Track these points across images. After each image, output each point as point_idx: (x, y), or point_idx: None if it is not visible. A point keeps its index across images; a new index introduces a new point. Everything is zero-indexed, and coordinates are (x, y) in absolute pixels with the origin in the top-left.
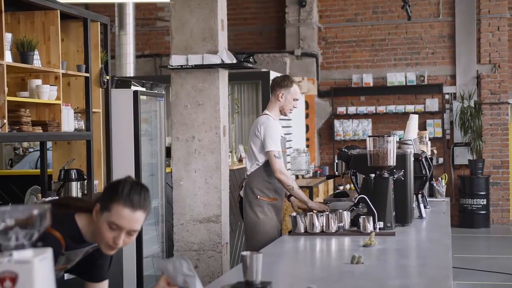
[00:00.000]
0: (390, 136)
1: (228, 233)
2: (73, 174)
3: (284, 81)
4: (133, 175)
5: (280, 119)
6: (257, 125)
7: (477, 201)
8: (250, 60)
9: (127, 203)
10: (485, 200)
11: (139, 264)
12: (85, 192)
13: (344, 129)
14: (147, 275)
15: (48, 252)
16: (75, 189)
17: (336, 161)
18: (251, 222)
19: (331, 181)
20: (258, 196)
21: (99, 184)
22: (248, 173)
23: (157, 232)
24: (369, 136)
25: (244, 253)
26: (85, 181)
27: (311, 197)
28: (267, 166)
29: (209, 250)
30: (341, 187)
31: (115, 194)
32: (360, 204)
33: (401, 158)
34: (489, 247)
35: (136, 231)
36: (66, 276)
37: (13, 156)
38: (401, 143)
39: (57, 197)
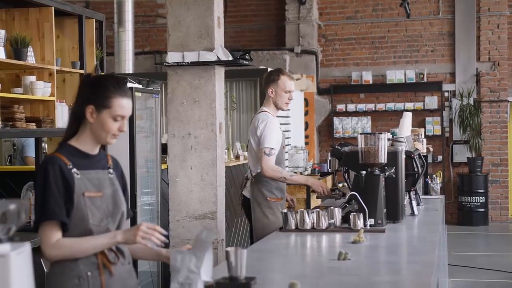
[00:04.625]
0: (381, 133)
1: (224, 230)
2: None
3: (271, 76)
4: (128, 171)
5: (278, 116)
6: (257, 123)
7: (475, 199)
8: (246, 57)
9: (122, 95)
10: (483, 197)
11: (134, 260)
12: None
13: (344, 127)
14: (141, 271)
15: (26, 246)
16: None
17: (329, 158)
18: (261, 224)
19: (330, 178)
20: (268, 198)
21: None
22: (253, 174)
23: None
24: (361, 134)
25: (228, 249)
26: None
27: (308, 194)
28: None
29: None
30: (340, 185)
31: (108, 92)
32: (352, 201)
33: (393, 156)
34: (487, 245)
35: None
36: None
37: (12, 152)
38: (394, 140)
39: None
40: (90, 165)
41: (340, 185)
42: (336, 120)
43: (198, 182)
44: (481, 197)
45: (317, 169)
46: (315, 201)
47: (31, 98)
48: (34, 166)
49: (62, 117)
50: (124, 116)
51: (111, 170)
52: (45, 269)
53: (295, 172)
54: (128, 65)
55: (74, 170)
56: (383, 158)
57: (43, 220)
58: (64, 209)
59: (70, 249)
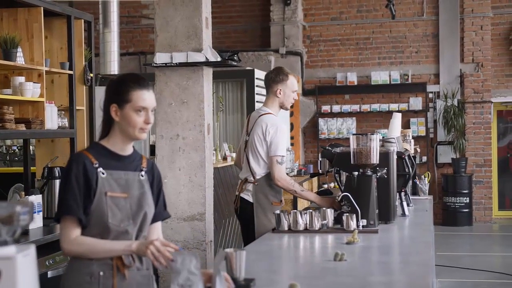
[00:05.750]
0: (373, 134)
1: (212, 231)
2: (57, 172)
3: (279, 76)
4: None
5: None
6: (266, 127)
7: (460, 199)
8: (235, 58)
9: (140, 87)
10: (468, 198)
11: None
12: None
13: (329, 128)
14: None
15: (31, 249)
16: (58, 187)
17: (320, 159)
18: (264, 228)
19: (315, 179)
20: (273, 202)
21: None
22: (257, 177)
23: None
24: (353, 134)
25: (228, 250)
26: None
27: (294, 196)
28: None
29: (193, 248)
30: (325, 186)
31: (126, 86)
32: (344, 202)
33: (384, 156)
34: (471, 245)
35: (155, 108)
36: (50, 273)
37: None
38: (385, 141)
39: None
40: (120, 166)
41: (325, 186)
42: (321, 121)
43: (186, 183)
44: (465, 198)
45: (303, 170)
46: (301, 202)
47: (20, 99)
48: (22, 168)
49: (51, 118)
50: (145, 107)
51: (143, 173)
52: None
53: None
54: (113, 66)
55: (100, 169)
56: (375, 158)
57: (61, 215)
58: (82, 206)
59: (86, 248)
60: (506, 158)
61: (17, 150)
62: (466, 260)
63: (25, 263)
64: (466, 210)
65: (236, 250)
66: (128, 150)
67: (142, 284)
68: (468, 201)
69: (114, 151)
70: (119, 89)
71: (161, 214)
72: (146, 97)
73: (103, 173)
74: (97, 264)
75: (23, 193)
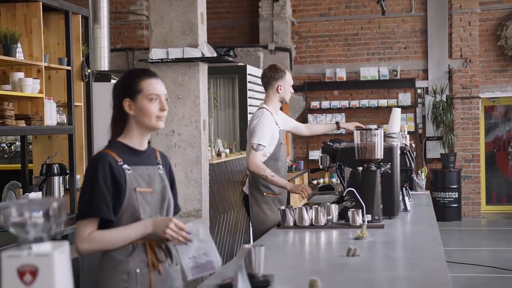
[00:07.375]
0: (377, 129)
1: (208, 228)
2: (55, 168)
3: (278, 73)
4: None
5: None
6: (252, 119)
7: (449, 195)
8: (231, 54)
9: (148, 76)
10: (456, 193)
11: None
12: (67, 187)
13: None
14: None
15: (66, 245)
16: (57, 184)
17: (321, 154)
18: (259, 220)
19: (305, 175)
20: (264, 193)
21: (81, 179)
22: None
23: None
24: (357, 129)
25: (247, 246)
26: (67, 175)
27: (288, 192)
28: (270, 161)
29: None
30: (315, 182)
31: (134, 78)
32: (346, 197)
33: (388, 151)
34: (461, 240)
35: (167, 96)
36: None
37: None
38: (386, 136)
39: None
40: (140, 161)
41: (314, 182)
42: (310, 117)
43: (182, 179)
44: (454, 193)
45: (293, 166)
46: (294, 198)
47: (19, 95)
48: (20, 165)
49: (50, 114)
50: (158, 94)
51: (161, 166)
52: None
53: None
54: (104, 62)
55: (125, 166)
56: (379, 154)
57: (87, 217)
58: (111, 206)
59: (102, 243)
60: (493, 153)
61: (6, 147)
62: (457, 255)
63: (61, 260)
64: (455, 205)
65: (255, 246)
66: (144, 144)
67: (175, 279)
68: (457, 196)
69: (132, 146)
70: (128, 83)
71: (177, 206)
72: (156, 85)
73: (128, 170)
74: (133, 261)
75: (20, 190)
